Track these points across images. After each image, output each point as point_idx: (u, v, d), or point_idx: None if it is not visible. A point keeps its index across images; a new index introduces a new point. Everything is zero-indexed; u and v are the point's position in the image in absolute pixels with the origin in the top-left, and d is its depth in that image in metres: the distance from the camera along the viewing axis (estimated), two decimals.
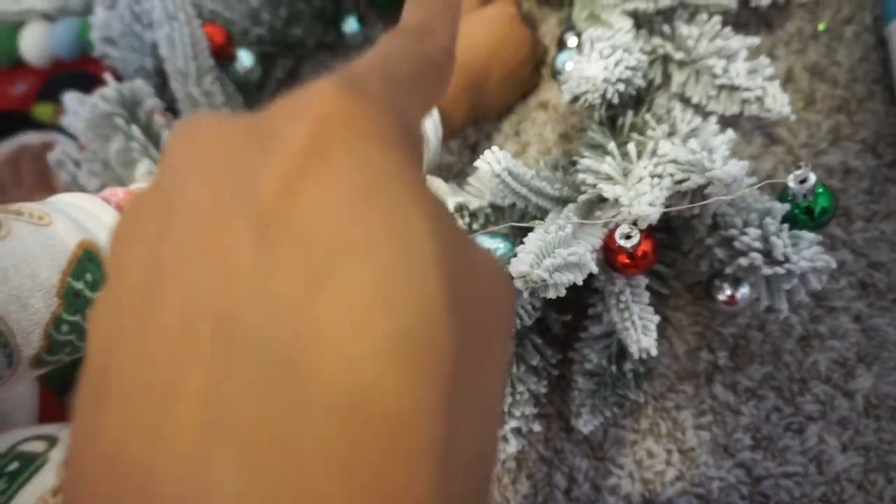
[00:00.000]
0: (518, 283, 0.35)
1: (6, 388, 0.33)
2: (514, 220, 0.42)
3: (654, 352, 0.39)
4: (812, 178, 0.36)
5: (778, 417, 0.45)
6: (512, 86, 0.58)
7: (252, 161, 0.13)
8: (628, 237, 0.38)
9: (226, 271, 0.12)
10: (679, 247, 0.45)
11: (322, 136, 0.13)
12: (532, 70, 0.59)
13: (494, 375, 0.15)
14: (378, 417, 0.11)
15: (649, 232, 0.39)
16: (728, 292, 0.41)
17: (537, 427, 0.44)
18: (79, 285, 0.33)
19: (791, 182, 0.37)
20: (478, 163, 0.39)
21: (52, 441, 0.43)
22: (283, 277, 0.12)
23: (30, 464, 0.40)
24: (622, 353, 0.44)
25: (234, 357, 0.12)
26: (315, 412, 0.11)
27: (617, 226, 0.39)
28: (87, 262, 0.34)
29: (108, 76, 0.49)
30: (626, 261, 0.39)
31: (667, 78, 0.49)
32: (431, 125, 0.49)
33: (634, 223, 0.38)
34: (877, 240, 0.47)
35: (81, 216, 0.35)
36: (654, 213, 0.35)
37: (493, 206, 0.43)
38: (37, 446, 0.42)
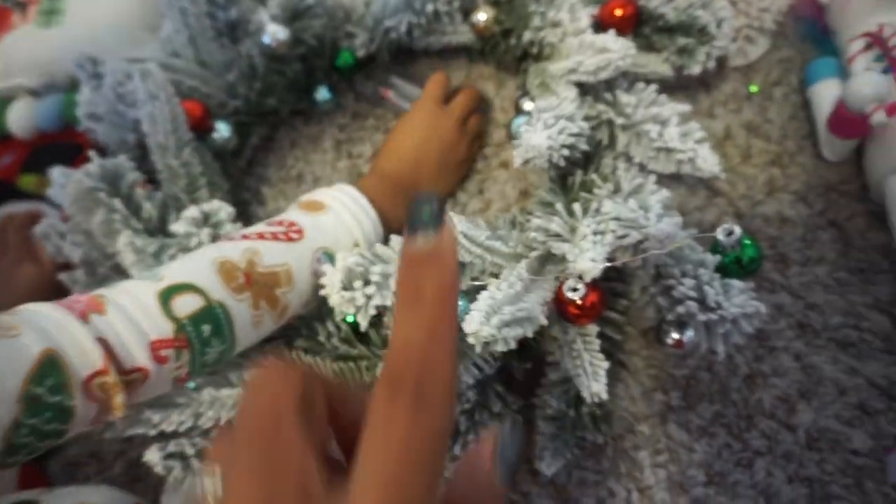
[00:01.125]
0: (470, 340, 0.38)
1: None
2: (473, 276, 0.45)
3: (604, 396, 0.42)
4: (737, 231, 0.40)
5: (728, 453, 0.47)
6: (447, 174, 0.62)
7: None
8: (575, 290, 0.42)
9: None
10: (630, 295, 0.49)
11: None
12: (467, 150, 0.63)
13: None
14: None
15: (596, 284, 0.43)
16: (675, 336, 0.44)
17: None
18: (39, 390, 0.35)
19: (720, 235, 0.41)
20: None
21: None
22: None
23: None
24: (580, 397, 0.47)
25: None
26: None
27: (566, 279, 0.43)
28: (49, 368, 0.36)
29: (92, 153, 0.53)
30: (576, 311, 0.43)
31: (612, 139, 0.54)
32: (370, 224, 0.54)
33: (580, 277, 0.41)
34: (812, 283, 0.51)
35: (47, 323, 0.37)
36: (595, 269, 0.39)
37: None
38: None
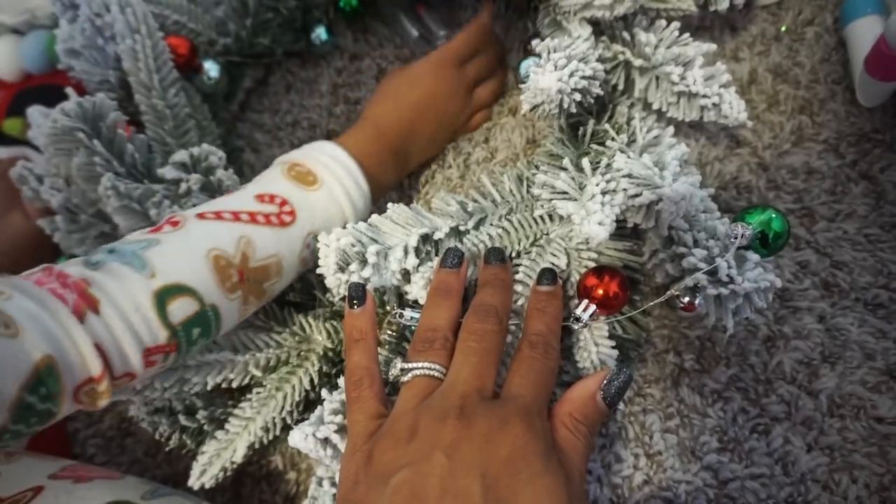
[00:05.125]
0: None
1: None
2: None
3: None
4: (742, 232, 0.36)
5: (744, 419, 0.45)
6: (437, 142, 0.59)
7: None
8: (578, 320, 0.39)
9: None
10: (642, 254, 0.45)
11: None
12: (465, 122, 0.60)
13: None
14: None
15: (614, 270, 0.39)
16: (686, 299, 0.41)
17: None
18: (31, 399, 0.34)
19: (728, 239, 0.37)
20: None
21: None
22: None
23: None
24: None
25: None
26: None
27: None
28: (45, 378, 0.34)
29: (70, 90, 0.49)
30: (602, 309, 0.39)
31: (629, 84, 0.49)
32: (362, 201, 0.51)
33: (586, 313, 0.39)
34: (840, 239, 0.48)
35: (48, 323, 0.35)
36: (602, 233, 0.35)
37: (456, 231, 0.43)
38: None
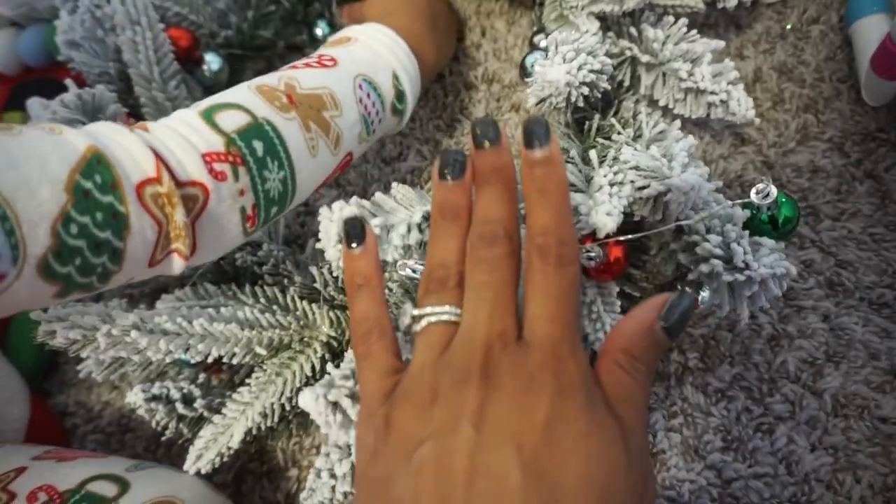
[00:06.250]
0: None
1: (11, 293, 0.30)
2: None
3: None
4: (774, 191, 0.36)
5: (748, 418, 0.45)
6: (451, 30, 0.61)
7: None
8: (591, 257, 0.38)
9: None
10: (648, 249, 0.45)
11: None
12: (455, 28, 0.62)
13: None
14: None
15: (619, 238, 0.39)
16: None
17: None
18: (88, 184, 0.32)
19: (754, 197, 0.37)
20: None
21: (123, 484, 0.42)
22: None
23: None
24: (595, 352, 0.44)
25: None
26: None
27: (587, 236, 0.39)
28: (95, 164, 0.33)
29: (69, 82, 0.48)
30: (601, 274, 0.39)
31: (635, 80, 0.49)
32: (405, 55, 0.50)
33: (595, 238, 0.38)
34: (844, 238, 0.47)
35: (92, 129, 0.35)
36: (610, 223, 0.35)
37: None
38: (107, 489, 0.42)
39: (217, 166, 0.37)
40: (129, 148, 0.35)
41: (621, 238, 0.38)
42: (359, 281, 0.32)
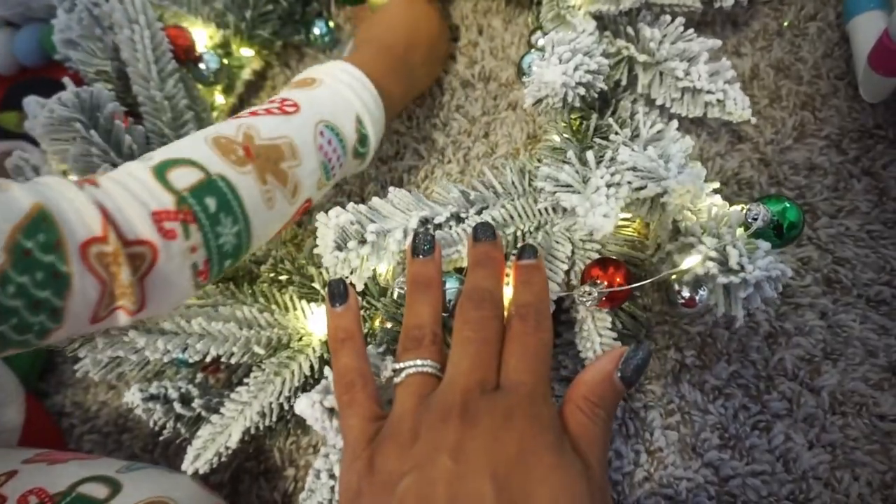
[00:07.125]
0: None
1: None
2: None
3: None
4: (763, 211, 0.36)
5: (745, 416, 0.44)
6: (434, 60, 0.60)
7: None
8: (588, 295, 0.38)
9: None
10: (645, 249, 0.45)
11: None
12: (448, 43, 0.63)
13: None
14: None
15: (618, 263, 0.39)
16: (686, 294, 0.41)
17: None
18: (29, 244, 0.32)
19: (746, 218, 0.37)
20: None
21: (114, 486, 0.42)
22: None
23: None
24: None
25: None
26: None
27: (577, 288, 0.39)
28: (40, 222, 0.33)
29: (66, 80, 0.48)
30: (605, 302, 0.39)
31: (633, 79, 0.49)
32: (370, 97, 0.49)
33: (594, 277, 0.38)
34: (842, 235, 0.47)
35: (40, 186, 0.35)
36: (607, 226, 0.35)
37: (456, 217, 0.42)
38: (98, 491, 0.42)
39: (167, 224, 0.37)
40: (76, 206, 0.34)
41: (617, 289, 0.38)
42: (342, 336, 0.36)
